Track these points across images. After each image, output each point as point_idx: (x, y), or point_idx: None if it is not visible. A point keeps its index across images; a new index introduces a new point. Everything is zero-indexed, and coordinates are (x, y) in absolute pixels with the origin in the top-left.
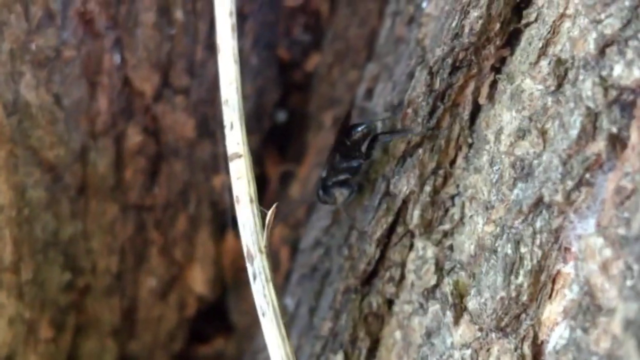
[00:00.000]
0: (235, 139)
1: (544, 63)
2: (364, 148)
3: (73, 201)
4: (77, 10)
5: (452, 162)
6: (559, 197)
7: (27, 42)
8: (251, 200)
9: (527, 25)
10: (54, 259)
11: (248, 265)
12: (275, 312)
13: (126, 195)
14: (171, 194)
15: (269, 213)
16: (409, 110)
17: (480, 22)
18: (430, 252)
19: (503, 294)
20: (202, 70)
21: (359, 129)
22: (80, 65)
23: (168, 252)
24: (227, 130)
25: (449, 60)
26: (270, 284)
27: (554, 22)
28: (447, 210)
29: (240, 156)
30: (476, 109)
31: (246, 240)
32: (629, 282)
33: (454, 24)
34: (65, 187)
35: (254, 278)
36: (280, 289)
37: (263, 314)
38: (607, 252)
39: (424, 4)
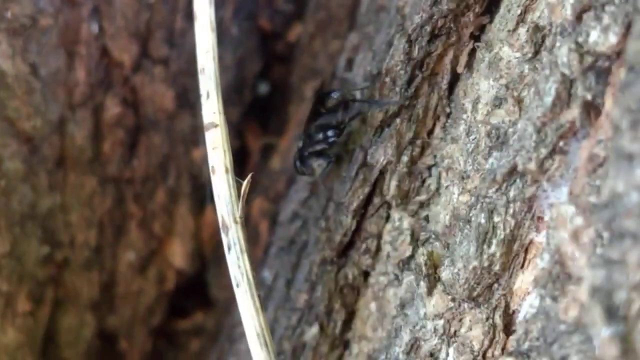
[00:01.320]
0: (212, 109)
1: (522, 30)
2: (340, 117)
3: (51, 173)
4: None
5: (430, 132)
6: (532, 166)
7: (3, 9)
8: (227, 171)
9: None
10: (32, 232)
11: (223, 235)
12: (249, 283)
13: (105, 167)
14: (150, 166)
15: (244, 183)
16: (387, 79)
17: None
18: (406, 223)
19: (475, 263)
20: (181, 40)
21: (334, 96)
22: (57, 34)
23: (147, 226)
24: (203, 100)
25: (428, 28)
26: (245, 255)
27: None
28: (423, 181)
29: (216, 126)
30: (455, 78)
31: (221, 211)
32: (598, 250)
33: None
34: (43, 159)
35: (229, 249)
36: (260, 262)
37: (237, 285)
38: (578, 220)
39: None
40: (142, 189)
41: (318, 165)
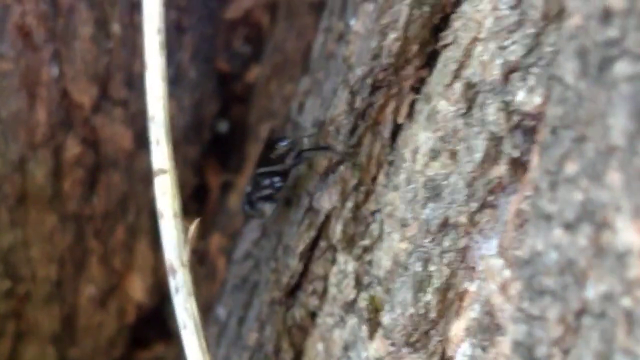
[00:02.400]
0: (161, 155)
1: (457, 85)
2: (287, 163)
3: (12, 210)
4: (15, 24)
5: (374, 179)
6: (463, 219)
7: None
8: (175, 215)
9: (444, 47)
10: None
11: (170, 279)
12: (196, 326)
13: (65, 205)
14: (110, 204)
15: (191, 227)
16: (331, 128)
17: (398, 44)
18: (351, 266)
19: (412, 310)
20: (140, 83)
21: (282, 144)
22: (18, 77)
23: (107, 261)
24: (153, 146)
25: (369, 80)
26: (192, 298)
27: (467, 45)
28: (368, 226)
29: (165, 172)
30: (396, 128)
31: (169, 255)
32: (525, 304)
33: (373, 45)
34: (4, 197)
35: (176, 291)
36: (217, 298)
37: (184, 327)
38: (506, 273)
39: (352, 22)
40: (102, 226)
41: (267, 208)
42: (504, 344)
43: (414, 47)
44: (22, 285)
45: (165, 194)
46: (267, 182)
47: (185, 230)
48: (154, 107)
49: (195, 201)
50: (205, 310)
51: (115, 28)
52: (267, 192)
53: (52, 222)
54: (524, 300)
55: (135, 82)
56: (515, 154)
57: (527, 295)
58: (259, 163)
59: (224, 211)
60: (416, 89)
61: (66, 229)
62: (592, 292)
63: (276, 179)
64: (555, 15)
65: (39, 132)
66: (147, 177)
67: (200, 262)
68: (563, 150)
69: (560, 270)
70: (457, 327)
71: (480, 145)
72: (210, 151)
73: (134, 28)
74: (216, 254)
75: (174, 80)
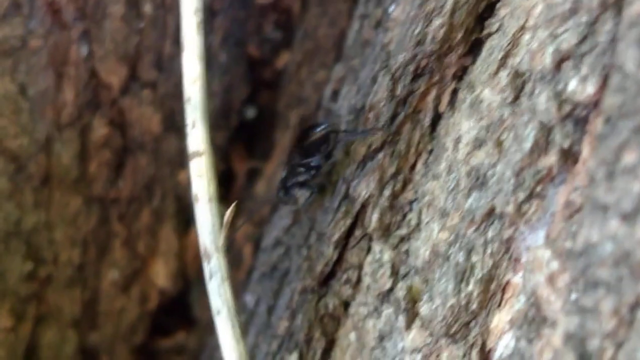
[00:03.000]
0: (197, 138)
1: (503, 74)
2: (324, 149)
3: (36, 191)
4: (44, 1)
5: (412, 168)
6: (510, 209)
7: None
8: (210, 199)
9: (489, 35)
10: (16, 248)
11: (205, 263)
12: (230, 312)
13: (90, 187)
14: (136, 187)
15: (228, 212)
16: (370, 115)
17: (443, 30)
18: (387, 256)
19: (453, 301)
20: (169, 64)
21: (318, 129)
22: (46, 55)
23: (131, 245)
24: (188, 129)
25: (411, 67)
26: (227, 284)
27: (514, 33)
28: (404, 215)
29: (201, 154)
30: (437, 117)
31: (203, 239)
32: (573, 296)
33: (417, 31)
34: (29, 177)
35: (210, 277)
36: (242, 286)
37: (218, 313)
38: (554, 265)
39: (391, 9)
40: (127, 209)
41: (301, 195)
42: (553, 336)
43: (459, 34)
44: (44, 267)
45: (201, 177)
46: (303, 168)
47: (221, 214)
48: (190, 88)
49: (221, 187)
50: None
51: (147, 8)
52: (302, 178)
53: (77, 204)
54: (575, 292)
55: (165, 64)
56: (566, 144)
57: (580, 287)
58: (294, 149)
59: (251, 198)
60: (459, 77)
61: (91, 211)
62: None
63: (313, 164)
64: (613, 3)
65: (65, 112)
66: (173, 161)
67: (227, 249)
68: (621, 140)
69: (616, 261)
70: (500, 319)
71: (529, 135)
72: (237, 137)
73: (165, 8)
74: (242, 241)
75: (206, 63)
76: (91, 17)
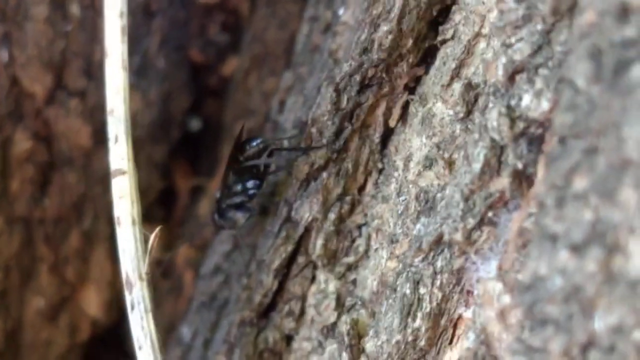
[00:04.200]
0: (120, 154)
1: (456, 86)
2: (261, 167)
3: None
4: None
5: (361, 189)
6: (459, 236)
7: None
8: (133, 222)
9: (444, 42)
10: None
11: (126, 293)
12: (153, 348)
13: (12, 206)
14: (63, 206)
15: (152, 237)
16: (313, 130)
17: (391, 37)
18: (332, 286)
19: (399, 337)
20: (100, 72)
21: (254, 143)
22: None
23: (59, 271)
24: (110, 144)
25: (357, 78)
26: (150, 315)
27: (469, 41)
28: (353, 241)
29: (124, 173)
30: (387, 132)
31: (125, 266)
32: (525, 334)
33: (362, 37)
34: None
35: (132, 307)
36: (182, 316)
37: (140, 348)
38: (506, 299)
39: (341, 11)
40: (54, 231)
41: (238, 218)
42: None
43: (409, 42)
44: None
45: (123, 198)
46: (239, 187)
47: (146, 239)
48: (113, 99)
49: (161, 207)
50: (169, 329)
51: (74, 9)
52: (239, 199)
53: None
54: (524, 329)
55: (95, 71)
56: (519, 165)
57: (528, 325)
58: (229, 166)
59: (193, 219)
60: (411, 89)
61: (13, 233)
62: (601, 323)
63: (250, 183)
64: (566, 11)
65: None
66: (106, 178)
67: (164, 275)
68: (572, 162)
69: (566, 297)
70: (451, 358)
71: (480, 154)
72: (179, 152)
73: (94, 10)
74: (183, 267)
75: (140, 70)
76: (11, 19)
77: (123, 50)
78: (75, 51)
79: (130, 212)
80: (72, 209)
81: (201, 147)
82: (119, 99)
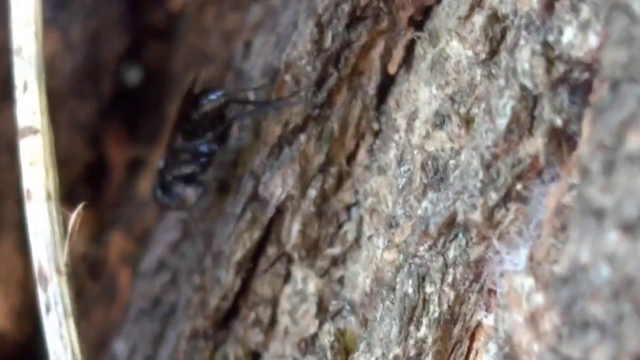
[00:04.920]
0: (30, 107)
1: (477, 19)
2: (218, 127)
3: None
4: None
5: (351, 157)
6: (477, 216)
7: None
8: (48, 197)
9: None
10: None
11: (40, 291)
12: None
13: None
14: None
15: (73, 216)
16: (287, 77)
17: None
18: (313, 285)
19: (398, 351)
20: (5, 3)
21: (211, 97)
22: None
23: None
24: (18, 93)
25: (346, 8)
26: (71, 320)
27: None
28: (339, 227)
29: (35, 132)
30: (386, 81)
31: (38, 255)
32: (561, 344)
33: None
34: None
35: (47, 309)
36: (115, 328)
37: None
38: (538, 299)
39: None
40: None
41: (187, 194)
42: None
43: None
44: None
45: (35, 165)
46: (189, 154)
47: (65, 219)
48: (20, 34)
49: (88, 184)
50: (98, 344)
51: None
52: (189, 169)
53: None
54: (560, 337)
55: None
56: (558, 121)
57: (566, 331)
58: (177, 127)
59: (130, 201)
60: (417, 23)
61: None
62: None
63: (203, 148)
64: None
65: None
66: (13, 143)
67: (93, 274)
68: (626, 114)
69: (614, 293)
70: None
71: (506, 106)
72: (111, 111)
73: None
74: (117, 264)
75: (58, 1)
76: None
77: None
78: None
79: (44, 183)
80: None
81: (141, 106)
82: (29, 33)
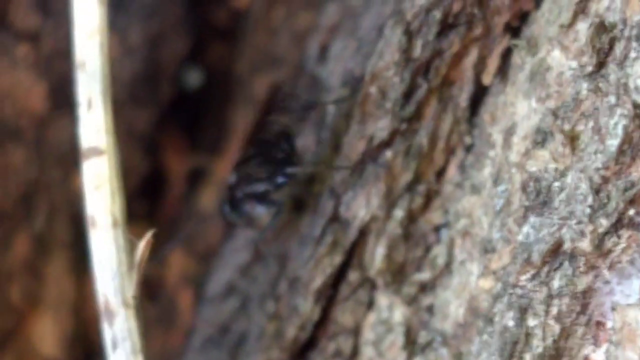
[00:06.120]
0: (95, 126)
1: (581, 27)
2: (295, 144)
3: None
4: None
5: (440, 174)
6: (585, 244)
7: None
8: (115, 224)
9: None
10: None
11: (105, 326)
12: None
13: None
14: (7, 198)
15: (141, 244)
16: (373, 90)
17: None
18: (399, 314)
19: None
20: (61, 4)
21: (292, 107)
22: None
23: None
24: (82, 111)
25: (437, 15)
26: (140, 358)
27: None
28: (428, 250)
29: (100, 153)
30: (479, 92)
31: (104, 287)
32: None
33: None
34: None
35: (114, 346)
36: (176, 356)
37: None
38: None
39: None
40: None
41: (258, 213)
42: None
43: None
44: None
45: (100, 189)
46: (262, 171)
47: (132, 247)
48: (84, 46)
49: (145, 198)
50: None
51: None
52: (261, 187)
53: None
54: None
55: (53, 4)
56: None
57: None
58: (252, 140)
59: (192, 215)
60: (514, 30)
61: None
62: None
63: (278, 167)
64: None
65: None
66: (66, 158)
67: (150, 295)
68: None
69: None
70: None
71: (617, 125)
72: (171, 119)
73: None
74: (177, 285)
75: (118, 1)
76: None
77: None
78: None
79: (110, 208)
80: (17, 202)
81: (202, 112)
82: (93, 45)
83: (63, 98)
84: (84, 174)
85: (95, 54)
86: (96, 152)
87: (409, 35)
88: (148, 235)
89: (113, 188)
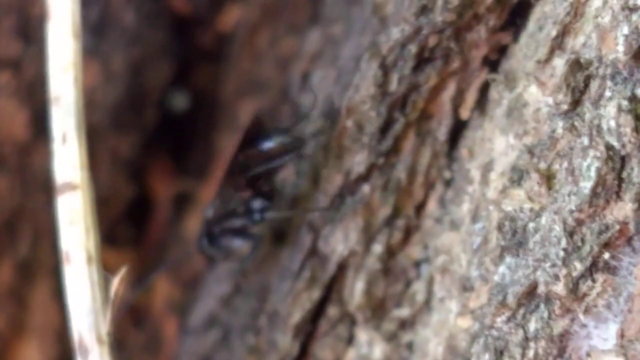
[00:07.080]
0: (69, 160)
1: (558, 62)
2: (275, 176)
3: None
4: None
5: (420, 209)
6: (560, 287)
7: None
8: (89, 260)
9: None
10: None
11: None
12: None
13: None
14: None
15: (115, 280)
16: (349, 124)
17: None
18: (379, 350)
19: None
20: (42, 32)
21: (271, 142)
22: None
23: None
24: (56, 145)
25: (413, 48)
26: None
27: None
28: (408, 285)
29: (74, 188)
30: (459, 126)
31: (78, 324)
32: None
33: None
34: None
35: None
36: None
37: None
38: None
39: None
40: None
41: (236, 247)
42: None
43: None
44: None
45: (74, 225)
46: (241, 204)
47: (106, 282)
48: (59, 80)
49: (130, 224)
50: None
51: None
52: (239, 221)
53: None
54: None
55: (34, 33)
56: None
57: None
58: (230, 173)
59: (177, 241)
60: (492, 64)
61: None
62: None
63: (257, 200)
64: None
65: None
66: (49, 183)
67: (136, 323)
68: None
69: None
70: None
71: (591, 167)
72: (157, 143)
73: None
74: (162, 312)
75: (99, 27)
76: None
77: (74, 11)
78: (5, 5)
79: (85, 244)
80: (1, 228)
81: (187, 136)
82: (67, 79)
83: (45, 125)
84: (59, 209)
85: (69, 88)
86: (70, 187)
87: (385, 69)
88: (122, 272)
89: (87, 224)
